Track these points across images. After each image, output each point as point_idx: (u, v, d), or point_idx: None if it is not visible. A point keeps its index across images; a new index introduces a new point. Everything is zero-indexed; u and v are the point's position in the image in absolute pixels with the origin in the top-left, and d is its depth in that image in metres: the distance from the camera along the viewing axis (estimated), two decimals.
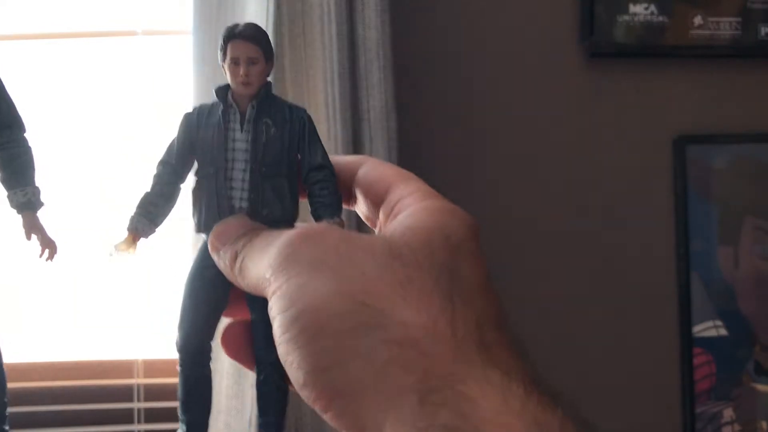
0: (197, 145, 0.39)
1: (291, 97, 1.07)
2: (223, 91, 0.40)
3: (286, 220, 0.39)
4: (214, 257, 0.37)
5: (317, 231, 0.33)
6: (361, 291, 0.30)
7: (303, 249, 0.32)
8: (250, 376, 1.07)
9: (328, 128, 1.05)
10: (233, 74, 0.39)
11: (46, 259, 0.41)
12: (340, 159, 0.40)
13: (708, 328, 1.29)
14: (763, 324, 1.31)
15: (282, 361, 0.30)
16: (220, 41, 0.39)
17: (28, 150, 0.38)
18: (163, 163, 0.40)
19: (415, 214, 0.34)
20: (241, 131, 0.39)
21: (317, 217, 0.39)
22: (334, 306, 0.29)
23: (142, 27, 1.21)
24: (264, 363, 0.39)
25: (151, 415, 1.17)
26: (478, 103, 1.27)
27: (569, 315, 1.27)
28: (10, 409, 1.15)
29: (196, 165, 0.40)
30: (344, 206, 0.39)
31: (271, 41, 0.40)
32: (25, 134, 0.38)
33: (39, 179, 0.40)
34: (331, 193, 0.39)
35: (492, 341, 0.29)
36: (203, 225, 0.39)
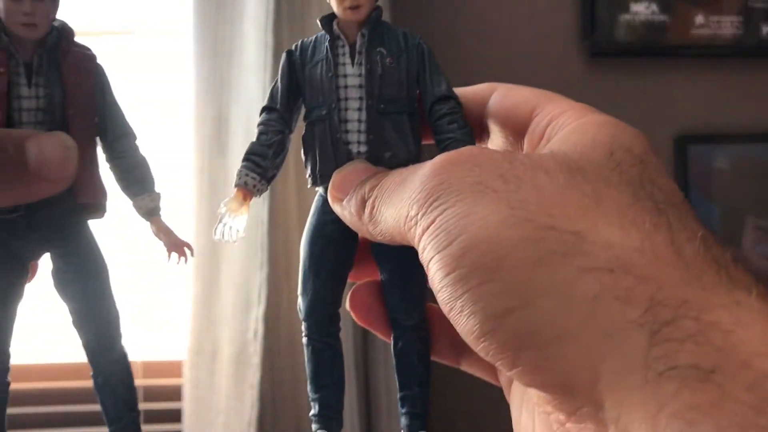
0: (304, 85, 0.35)
1: None
2: (327, 21, 0.34)
3: (411, 161, 0.33)
4: (336, 209, 0.32)
5: (467, 153, 0.27)
6: (542, 213, 0.24)
7: (455, 175, 0.26)
8: (250, 377, 1.07)
9: None
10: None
11: (177, 262, 0.40)
12: (465, 89, 0.35)
13: None
14: None
15: (445, 309, 0.25)
16: None
17: (144, 157, 0.38)
18: (268, 110, 0.35)
19: (580, 130, 0.28)
20: (353, 65, 0.34)
21: None
22: (511, 234, 0.24)
23: (141, 26, 1.20)
24: (402, 328, 0.34)
25: (151, 416, 1.17)
26: None
27: None
28: (10, 409, 1.15)
29: (303, 109, 0.35)
30: (477, 143, 0.34)
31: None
32: (137, 142, 0.38)
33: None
34: (461, 127, 0.34)
35: (728, 260, 0.24)
36: (319, 175, 0.34)
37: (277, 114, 0.35)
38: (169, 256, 0.39)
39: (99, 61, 0.37)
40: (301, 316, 0.35)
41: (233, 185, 0.35)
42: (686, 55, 1.30)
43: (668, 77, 1.31)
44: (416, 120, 0.34)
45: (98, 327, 0.38)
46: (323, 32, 0.35)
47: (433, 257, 0.25)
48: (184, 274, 1.08)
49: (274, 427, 1.05)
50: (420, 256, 0.26)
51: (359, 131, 0.34)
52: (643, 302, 0.22)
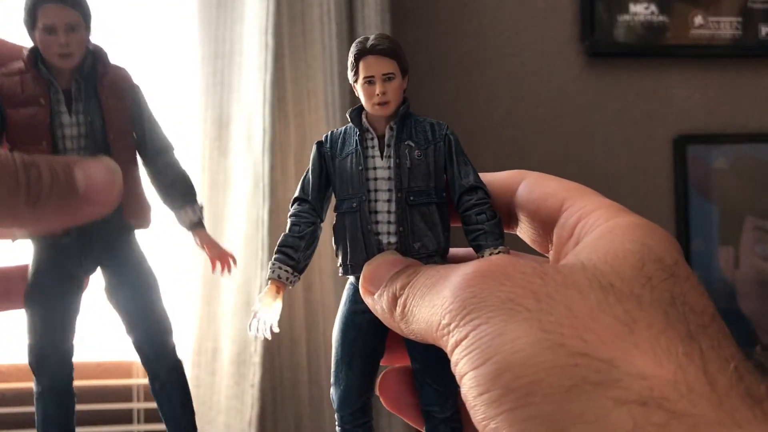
0: (334, 177, 0.35)
1: (291, 97, 1.07)
2: (356, 114, 0.35)
3: (440, 252, 0.34)
4: (368, 302, 0.33)
5: (498, 265, 0.27)
6: (575, 337, 0.24)
7: (487, 288, 0.26)
8: (250, 377, 1.07)
9: (328, 128, 1.05)
10: (368, 94, 0.34)
11: (222, 273, 0.40)
12: (493, 177, 0.36)
13: None
14: (764, 324, 1.30)
15: (479, 426, 0.25)
16: (351, 58, 0.35)
17: (184, 170, 0.39)
18: (299, 201, 0.36)
19: (610, 234, 0.28)
20: (382, 157, 0.35)
21: (477, 248, 0.34)
22: (544, 359, 0.24)
23: (141, 27, 1.21)
24: (435, 420, 0.35)
25: (151, 416, 1.17)
26: (478, 102, 1.27)
27: None
28: (10, 410, 1.15)
29: (334, 200, 0.36)
30: (505, 230, 0.35)
31: (404, 53, 0.36)
32: (176, 154, 0.39)
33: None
34: (490, 218, 0.34)
35: (762, 393, 0.23)
36: (350, 265, 0.34)
37: (309, 205, 0.36)
38: (214, 267, 0.40)
39: (134, 79, 0.38)
40: (334, 406, 0.35)
41: (266, 278, 0.35)
42: (685, 55, 1.30)
43: (667, 77, 1.31)
44: (445, 210, 0.35)
45: (152, 336, 0.39)
46: (351, 124, 0.35)
47: (466, 373, 0.25)
48: (184, 273, 1.08)
49: (274, 426, 1.05)
50: (453, 367, 0.26)
51: (389, 222, 0.34)
52: None
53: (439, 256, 0.34)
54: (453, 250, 0.36)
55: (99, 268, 0.38)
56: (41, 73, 0.35)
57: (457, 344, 0.26)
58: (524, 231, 0.35)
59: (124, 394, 1.17)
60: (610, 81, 1.30)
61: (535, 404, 0.23)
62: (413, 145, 0.35)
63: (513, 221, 0.35)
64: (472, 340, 0.25)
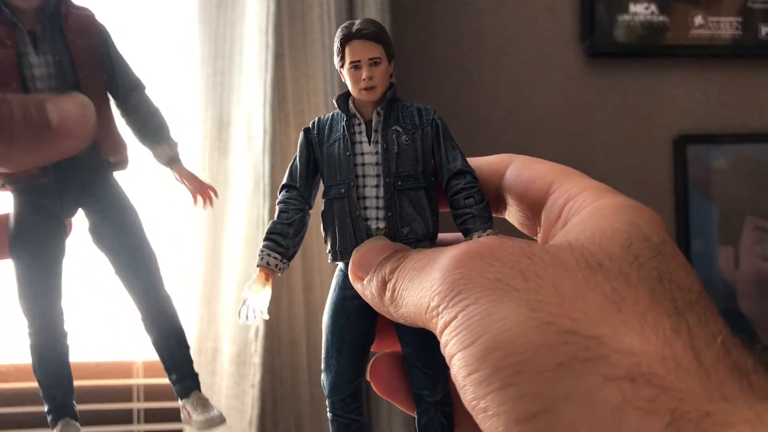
0: (322, 163, 0.35)
1: (291, 97, 1.07)
2: (343, 100, 0.35)
3: (428, 236, 0.34)
4: (357, 287, 0.33)
5: (487, 246, 0.27)
6: (564, 315, 0.24)
7: (475, 269, 0.26)
8: (250, 377, 1.07)
9: None
10: (354, 79, 0.34)
11: (204, 206, 0.40)
12: (480, 161, 0.36)
13: None
14: (764, 324, 1.30)
15: (468, 406, 0.25)
16: (336, 44, 0.35)
17: (157, 107, 0.39)
18: (287, 188, 0.36)
19: (598, 214, 0.29)
20: (369, 143, 0.34)
21: (466, 231, 0.34)
22: (533, 337, 0.24)
23: (141, 27, 1.21)
24: (426, 403, 0.35)
25: (151, 416, 1.17)
26: (478, 102, 1.27)
27: None
28: (10, 409, 1.15)
29: (322, 186, 0.36)
30: (494, 214, 0.35)
31: (390, 38, 0.36)
32: (147, 92, 0.39)
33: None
34: (478, 202, 0.34)
35: (749, 367, 0.23)
36: (338, 252, 0.34)
37: (297, 192, 0.36)
38: (195, 200, 0.40)
39: (99, 19, 0.38)
40: (325, 392, 0.36)
41: (255, 265, 0.35)
42: (685, 55, 1.30)
43: (667, 77, 1.31)
44: (433, 194, 0.35)
45: (140, 273, 0.39)
46: (339, 110, 0.35)
47: (455, 354, 0.25)
48: (184, 273, 1.08)
49: (275, 426, 1.05)
50: (442, 348, 0.26)
51: (377, 208, 0.34)
52: (665, 414, 0.22)
53: (428, 241, 0.34)
54: (442, 235, 0.36)
55: (81, 210, 0.38)
56: (4, 15, 0.35)
57: (446, 325, 0.26)
58: (513, 214, 0.35)
59: (124, 394, 1.17)
60: (610, 81, 1.30)
61: (524, 382, 0.23)
62: (400, 129, 0.35)
63: (501, 205, 0.35)
64: (460, 321, 0.25)
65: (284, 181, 0.36)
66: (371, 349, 0.36)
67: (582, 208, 0.30)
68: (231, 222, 1.05)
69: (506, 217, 0.35)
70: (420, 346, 0.34)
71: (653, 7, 1.27)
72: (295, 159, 0.36)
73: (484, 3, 1.28)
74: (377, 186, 0.34)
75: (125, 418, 1.18)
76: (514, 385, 0.24)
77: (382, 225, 0.34)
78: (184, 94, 1.11)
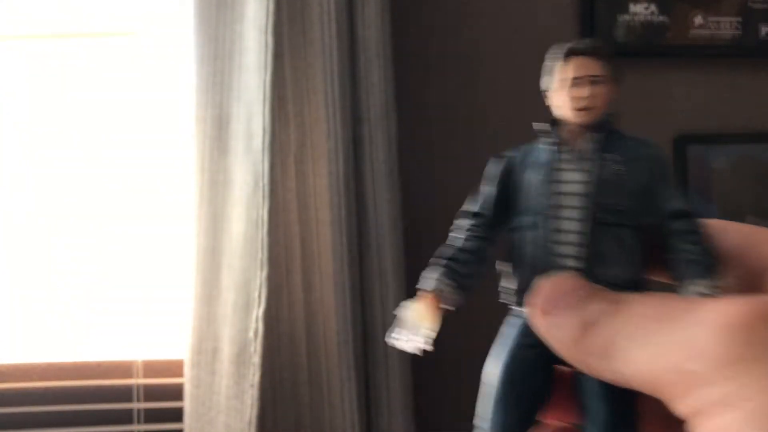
0: (519, 191, 0.31)
1: (291, 97, 1.07)
2: (550, 125, 0.32)
3: (636, 286, 0.29)
4: (541, 326, 0.26)
5: None
6: None
7: (764, 333, 0.21)
8: (250, 377, 1.07)
9: (328, 128, 1.05)
10: (572, 96, 0.30)
11: None
12: None
13: None
14: None
15: None
16: (552, 60, 0.31)
17: None
18: (473, 215, 0.32)
19: None
20: (575, 171, 0.30)
21: (681, 280, 0.28)
22: None
23: (141, 27, 1.21)
24: None
25: (151, 416, 1.17)
26: (478, 102, 1.27)
27: None
28: (10, 409, 1.15)
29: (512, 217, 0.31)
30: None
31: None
32: None
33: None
34: (704, 248, 0.28)
35: None
36: (522, 292, 0.29)
37: (484, 219, 0.32)
38: None
39: None
40: None
41: (420, 287, 0.31)
42: (685, 55, 1.30)
43: (667, 77, 1.31)
44: (642, 237, 0.30)
45: None
46: (540, 141, 0.32)
47: None
48: (184, 273, 1.08)
49: (274, 426, 1.05)
50: (697, 429, 0.21)
51: (574, 244, 0.29)
52: None
53: (630, 290, 0.27)
54: None
55: None
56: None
57: (724, 407, 0.20)
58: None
59: (124, 394, 1.17)
60: None
61: None
62: (618, 158, 0.30)
63: None
64: (757, 404, 0.20)
65: (467, 208, 0.32)
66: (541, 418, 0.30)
67: None
68: (231, 222, 1.05)
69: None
70: (613, 422, 0.27)
71: (653, 7, 1.27)
72: (485, 185, 0.32)
73: (484, 3, 1.28)
74: (578, 220, 0.29)
75: (125, 418, 1.17)
76: None
77: (579, 264, 0.29)
78: (183, 93, 1.11)
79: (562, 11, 1.29)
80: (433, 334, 0.30)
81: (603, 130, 0.31)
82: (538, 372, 0.29)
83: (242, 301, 1.03)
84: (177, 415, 1.09)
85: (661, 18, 1.27)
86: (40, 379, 1.19)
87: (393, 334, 0.30)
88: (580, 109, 0.30)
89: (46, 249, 1.18)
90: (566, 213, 0.29)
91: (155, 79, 1.20)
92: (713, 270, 0.28)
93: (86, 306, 1.18)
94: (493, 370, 0.30)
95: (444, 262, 0.31)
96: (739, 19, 1.29)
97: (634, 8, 1.27)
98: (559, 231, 0.29)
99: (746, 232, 0.29)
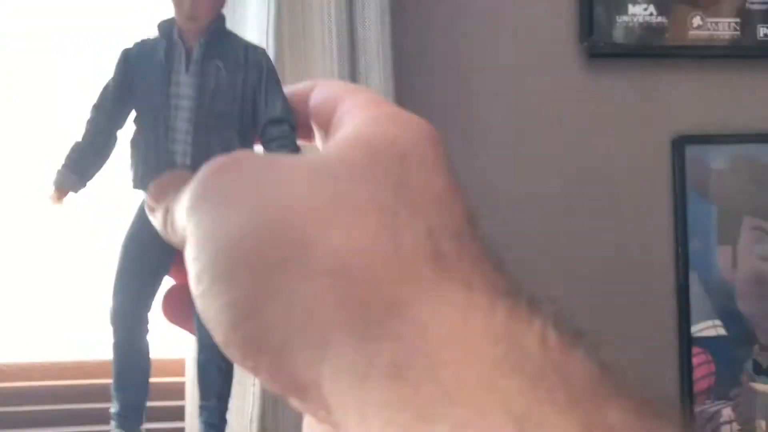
0: (136, 87, 0.34)
1: None
2: (167, 26, 0.34)
3: None
4: (151, 218, 0.32)
5: (233, 159, 0.27)
6: (277, 220, 0.24)
7: (217, 182, 0.26)
8: (251, 376, 1.07)
9: None
10: (178, 6, 0.33)
11: None
12: (291, 89, 0.34)
13: (707, 328, 1.29)
14: (762, 324, 1.31)
15: (203, 320, 0.25)
16: None
17: None
18: (97, 108, 0.35)
19: (355, 125, 0.28)
20: (186, 73, 0.33)
21: None
22: (246, 243, 0.24)
23: (138, 25, 1.21)
24: (204, 342, 0.34)
25: (151, 415, 1.17)
26: (477, 103, 1.27)
27: (567, 315, 1.27)
28: (10, 409, 1.15)
29: (134, 111, 0.35)
30: (305, 141, 0.34)
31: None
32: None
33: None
34: (291, 152, 0.33)
35: (449, 250, 0.23)
36: (140, 181, 0.33)
37: (105, 113, 0.34)
38: None
39: None
40: (109, 319, 0.34)
41: (51, 183, 0.35)
42: (684, 56, 1.30)
43: (666, 78, 1.32)
44: (247, 137, 0.34)
45: None
46: (161, 36, 0.34)
47: (189, 270, 0.25)
48: None
49: (275, 425, 1.05)
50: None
51: (186, 142, 0.33)
52: (354, 304, 0.22)
53: None
54: None
55: None
56: None
57: (185, 242, 0.26)
58: (317, 140, 0.33)
59: None
60: (608, 82, 1.30)
61: (234, 290, 0.23)
62: (221, 65, 0.33)
63: (311, 132, 0.33)
64: (193, 234, 0.25)
65: (95, 101, 0.35)
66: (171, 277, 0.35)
67: (350, 119, 0.29)
68: None
69: (316, 144, 0.34)
70: None
71: (652, 8, 1.27)
72: (109, 80, 0.34)
73: (483, 3, 1.28)
74: (189, 120, 0.33)
75: None
76: (229, 291, 0.24)
77: (188, 161, 0.33)
78: None
79: (561, 11, 1.29)
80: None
81: (211, 35, 0.33)
82: (156, 248, 0.32)
83: None
84: (178, 413, 1.09)
85: (660, 19, 1.28)
86: (41, 377, 1.19)
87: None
88: (186, 17, 0.33)
89: (45, 247, 1.18)
90: (180, 114, 0.33)
91: None
92: None
93: (87, 304, 1.18)
94: (119, 249, 0.35)
95: (67, 155, 0.34)
96: (738, 20, 1.29)
97: (632, 9, 1.27)
98: (173, 130, 0.33)
99: (327, 91, 0.32)
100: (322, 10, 1.07)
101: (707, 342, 1.29)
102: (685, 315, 1.29)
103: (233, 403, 1.05)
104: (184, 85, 0.33)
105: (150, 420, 1.24)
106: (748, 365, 1.30)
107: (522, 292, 0.23)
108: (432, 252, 0.23)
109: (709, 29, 1.29)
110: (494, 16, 1.28)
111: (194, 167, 0.31)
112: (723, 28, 1.29)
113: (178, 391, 1.11)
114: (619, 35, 1.27)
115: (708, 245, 1.30)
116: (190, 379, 1.06)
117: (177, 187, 0.29)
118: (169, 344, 1.18)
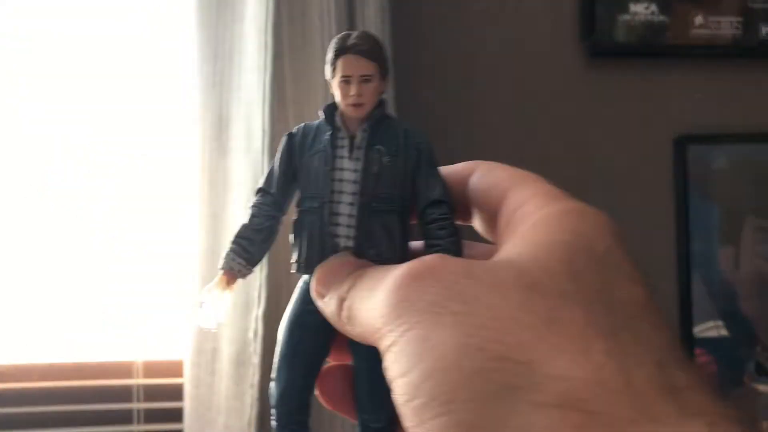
0: (300, 172, 0.34)
1: (291, 97, 1.07)
2: (330, 111, 0.35)
3: (395, 261, 0.32)
4: (319, 304, 0.32)
5: (429, 266, 0.27)
6: (497, 341, 0.23)
7: (416, 291, 0.26)
8: (250, 377, 1.07)
9: None
10: (343, 93, 0.34)
11: None
12: (447, 169, 0.35)
13: (709, 329, 1.29)
14: (764, 324, 1.30)
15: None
16: (330, 54, 0.35)
17: None
18: (263, 193, 0.35)
19: (540, 225, 0.28)
20: (350, 159, 0.34)
21: None
22: (465, 364, 0.23)
23: (142, 27, 1.20)
24: (369, 430, 0.34)
25: (151, 416, 1.17)
26: (478, 102, 1.27)
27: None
28: (10, 409, 1.15)
29: (298, 195, 0.35)
30: (461, 222, 0.34)
31: (386, 54, 0.35)
32: None
33: None
34: (450, 234, 0.33)
35: (683, 384, 0.22)
36: (304, 265, 0.34)
37: (271, 198, 0.35)
38: None
39: None
40: (272, 402, 0.35)
41: (218, 267, 0.35)
42: (685, 55, 1.30)
43: (667, 77, 1.31)
44: (407, 220, 0.34)
45: None
46: (324, 121, 0.35)
47: (395, 380, 0.25)
48: (183, 274, 1.08)
49: None
50: (387, 372, 0.26)
51: (348, 226, 0.33)
52: None
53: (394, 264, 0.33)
54: (415, 244, 0.35)
55: None
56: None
57: (388, 349, 0.26)
58: (477, 223, 0.34)
59: (123, 394, 1.17)
60: (610, 81, 1.30)
61: (455, 412, 0.23)
62: (384, 150, 0.34)
63: (468, 214, 0.34)
64: (400, 346, 0.25)
65: (260, 184, 0.36)
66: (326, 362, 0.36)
67: (529, 215, 0.29)
68: (230, 222, 1.05)
69: (474, 225, 0.35)
70: (370, 364, 0.32)
71: (653, 7, 1.27)
72: (273, 164, 0.35)
73: (484, 3, 1.27)
74: (352, 204, 0.33)
75: (125, 418, 1.17)
76: (445, 414, 0.23)
77: (351, 244, 0.33)
78: (183, 94, 1.11)
79: (562, 11, 1.28)
80: (225, 308, 0.35)
81: (374, 121, 0.34)
82: (320, 333, 0.34)
83: (242, 301, 1.03)
84: (177, 415, 1.09)
85: (662, 18, 1.27)
86: (40, 379, 1.19)
87: (193, 313, 0.33)
88: (350, 104, 0.34)
89: (46, 248, 1.18)
90: (343, 198, 0.33)
91: (155, 79, 1.20)
92: (454, 255, 0.31)
93: (86, 306, 1.18)
94: (281, 332, 0.36)
95: (237, 241, 0.35)
96: (740, 19, 1.29)
97: (634, 8, 1.26)
98: (336, 214, 0.33)
99: (492, 176, 0.33)
100: (322, 10, 1.06)
101: (709, 343, 1.28)
102: (687, 316, 1.28)
103: (232, 405, 1.05)
104: (348, 170, 0.34)
105: (149, 421, 1.23)
106: (751, 366, 1.29)
107: (742, 419, 0.22)
108: (664, 385, 0.22)
109: (710, 28, 1.28)
110: (495, 15, 1.28)
111: (357, 251, 0.33)
112: (725, 27, 1.29)
113: (177, 392, 1.11)
114: (620, 34, 1.27)
115: (710, 246, 1.30)
116: (188, 380, 1.06)
117: (344, 275, 0.31)
118: (169, 345, 1.17)
